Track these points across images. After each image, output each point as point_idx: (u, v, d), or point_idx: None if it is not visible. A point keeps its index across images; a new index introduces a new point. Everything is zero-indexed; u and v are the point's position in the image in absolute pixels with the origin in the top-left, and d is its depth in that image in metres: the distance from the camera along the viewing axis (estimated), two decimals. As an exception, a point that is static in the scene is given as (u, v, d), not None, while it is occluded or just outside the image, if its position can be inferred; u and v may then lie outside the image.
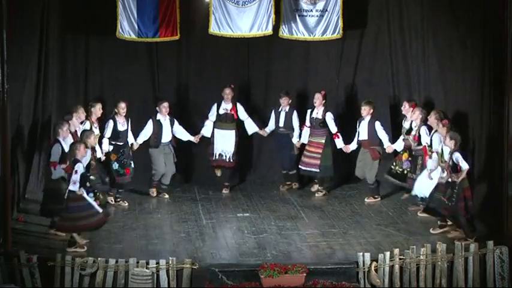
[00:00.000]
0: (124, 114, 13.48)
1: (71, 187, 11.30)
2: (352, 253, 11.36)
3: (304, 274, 10.65)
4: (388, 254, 11.07)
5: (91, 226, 11.55)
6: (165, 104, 13.85)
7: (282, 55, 15.00)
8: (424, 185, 12.60)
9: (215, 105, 14.21)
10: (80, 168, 11.33)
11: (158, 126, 13.81)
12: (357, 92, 15.05)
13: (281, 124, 14.30)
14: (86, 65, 14.55)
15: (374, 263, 10.96)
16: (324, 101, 13.98)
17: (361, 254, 11.04)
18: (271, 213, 13.32)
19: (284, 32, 13.66)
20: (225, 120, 14.21)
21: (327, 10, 13.54)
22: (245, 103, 14.63)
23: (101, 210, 11.54)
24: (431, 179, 12.30)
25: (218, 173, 14.44)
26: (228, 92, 14.10)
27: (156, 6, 13.26)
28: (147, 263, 10.84)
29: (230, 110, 14.18)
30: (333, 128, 14.01)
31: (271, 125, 14.47)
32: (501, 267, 11.28)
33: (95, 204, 11.50)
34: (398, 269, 11.05)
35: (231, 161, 14.26)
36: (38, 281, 10.78)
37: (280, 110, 14.29)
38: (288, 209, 13.57)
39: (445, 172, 11.82)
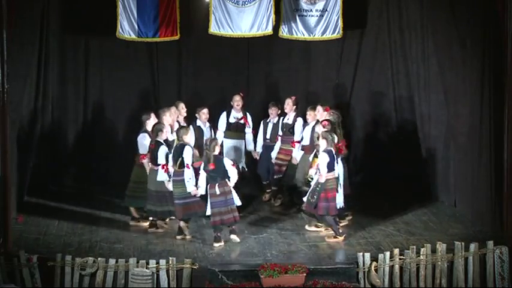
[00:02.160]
0: (185, 114, 13.20)
1: (235, 180, 11.76)
2: (352, 253, 11.37)
3: (304, 274, 10.66)
4: (388, 254, 11.08)
5: (232, 222, 11.89)
6: (205, 111, 13.34)
7: (282, 55, 15.00)
8: None
9: (224, 114, 13.77)
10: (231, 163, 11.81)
11: (200, 132, 13.27)
12: (357, 92, 15.07)
13: (268, 136, 13.70)
14: (86, 65, 14.57)
15: (374, 263, 10.98)
16: (294, 107, 13.48)
17: (361, 254, 11.05)
18: (271, 214, 13.32)
19: (284, 32, 13.61)
20: (235, 130, 13.74)
21: (326, 10, 13.50)
22: (245, 103, 14.60)
23: (237, 203, 11.90)
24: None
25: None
26: (238, 99, 13.69)
27: (156, 6, 13.23)
28: (147, 263, 10.85)
29: (241, 119, 13.74)
30: (297, 135, 13.32)
31: (260, 142, 13.78)
32: (501, 267, 11.29)
33: (237, 199, 11.89)
34: (398, 269, 11.07)
35: (245, 170, 13.77)
36: (38, 281, 10.78)
37: (268, 121, 13.73)
38: (288, 209, 13.55)
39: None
